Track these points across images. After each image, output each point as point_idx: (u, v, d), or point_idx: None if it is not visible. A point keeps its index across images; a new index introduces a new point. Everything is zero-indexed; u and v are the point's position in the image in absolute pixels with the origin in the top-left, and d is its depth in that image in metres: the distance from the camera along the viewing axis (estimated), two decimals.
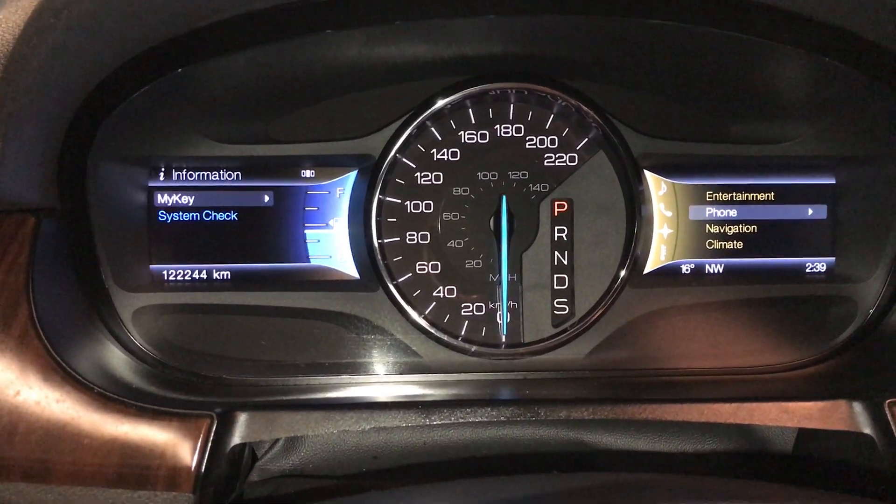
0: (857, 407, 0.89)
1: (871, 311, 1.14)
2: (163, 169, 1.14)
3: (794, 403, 0.91)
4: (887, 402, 0.87)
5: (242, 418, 0.87)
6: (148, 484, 0.81)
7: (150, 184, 1.14)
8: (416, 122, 1.13)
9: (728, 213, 1.19)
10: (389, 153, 1.13)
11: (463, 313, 1.16)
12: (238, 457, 0.95)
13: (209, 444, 0.84)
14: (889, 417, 0.87)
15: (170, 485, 0.82)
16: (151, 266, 1.13)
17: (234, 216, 1.15)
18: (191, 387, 1.03)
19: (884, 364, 1.05)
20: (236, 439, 0.86)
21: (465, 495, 0.72)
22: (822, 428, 0.89)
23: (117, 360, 1.00)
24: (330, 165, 1.16)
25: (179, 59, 0.96)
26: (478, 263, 1.16)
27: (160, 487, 0.82)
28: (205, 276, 1.15)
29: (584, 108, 1.14)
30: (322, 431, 0.87)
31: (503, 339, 1.16)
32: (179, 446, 0.83)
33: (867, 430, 0.88)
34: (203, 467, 0.83)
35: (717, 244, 1.19)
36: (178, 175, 1.14)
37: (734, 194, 1.19)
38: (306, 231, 1.16)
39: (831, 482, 0.97)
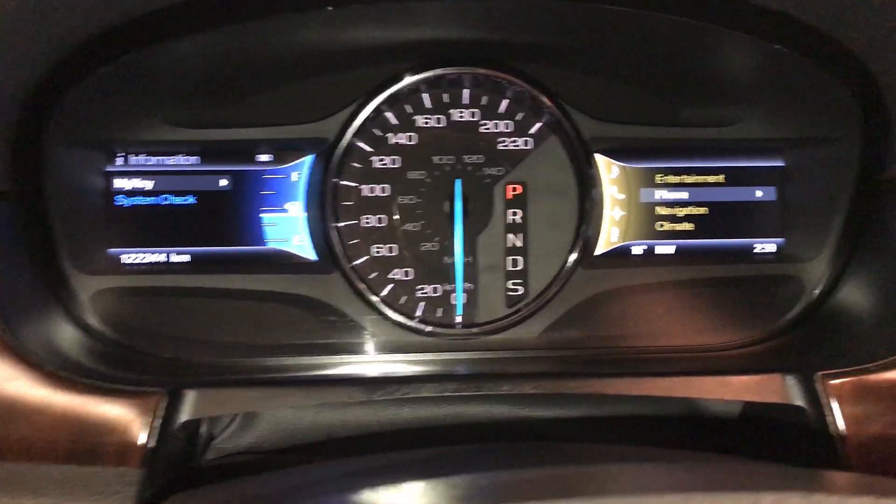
0: (790, 380, 0.92)
1: (817, 291, 1.16)
2: (120, 153, 1.15)
3: (731, 377, 0.94)
4: (817, 374, 0.90)
5: (192, 395, 0.88)
6: (98, 459, 0.83)
7: (108, 168, 1.14)
8: (371, 106, 1.14)
9: (678, 195, 1.21)
10: (345, 137, 1.15)
11: (419, 295, 1.18)
12: (192, 434, 0.97)
13: (159, 421, 0.86)
14: (819, 389, 0.90)
15: (119, 460, 0.83)
16: (109, 250, 1.14)
17: (192, 200, 1.16)
18: (147, 367, 1.05)
19: (823, 342, 1.08)
20: (186, 415, 0.88)
21: (409, 465, 0.74)
22: (756, 400, 0.92)
23: (74, 341, 1.01)
24: (286, 149, 1.17)
25: (130, 43, 0.97)
26: (434, 246, 1.18)
27: (110, 462, 0.83)
28: (163, 259, 1.16)
29: (537, 92, 1.15)
30: (270, 408, 0.89)
31: (459, 320, 1.18)
32: (129, 422, 0.85)
33: (798, 402, 0.91)
34: (152, 443, 0.85)
35: (667, 226, 1.22)
36: (136, 160, 1.15)
37: (684, 177, 1.21)
38: (263, 215, 1.17)
39: (770, 451, 1.00)
